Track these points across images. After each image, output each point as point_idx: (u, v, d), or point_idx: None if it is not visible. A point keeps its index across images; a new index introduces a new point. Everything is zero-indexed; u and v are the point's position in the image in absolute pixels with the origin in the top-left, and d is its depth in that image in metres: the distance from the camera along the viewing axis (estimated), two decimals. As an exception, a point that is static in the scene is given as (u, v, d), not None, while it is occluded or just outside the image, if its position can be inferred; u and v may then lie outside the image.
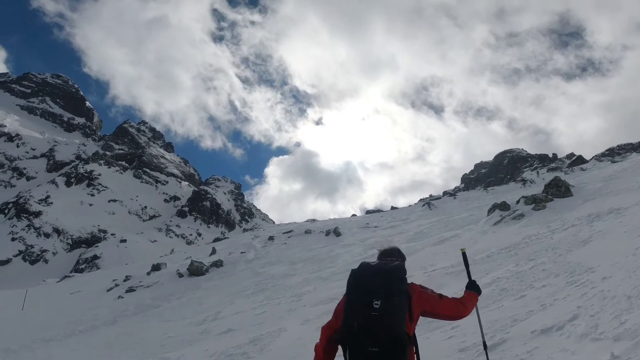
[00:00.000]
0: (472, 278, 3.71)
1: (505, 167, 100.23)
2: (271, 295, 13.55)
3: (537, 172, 57.00)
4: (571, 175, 30.86)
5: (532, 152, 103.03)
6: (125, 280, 25.14)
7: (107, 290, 23.20)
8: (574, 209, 13.75)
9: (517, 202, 16.61)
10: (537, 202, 15.51)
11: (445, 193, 51.59)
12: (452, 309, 3.20)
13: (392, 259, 3.39)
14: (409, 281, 3.12)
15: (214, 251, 28.52)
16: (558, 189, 16.94)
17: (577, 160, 61.86)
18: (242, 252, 25.41)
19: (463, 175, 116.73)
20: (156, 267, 27.16)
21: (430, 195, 47.74)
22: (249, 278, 18.10)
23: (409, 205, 42.12)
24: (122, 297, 20.17)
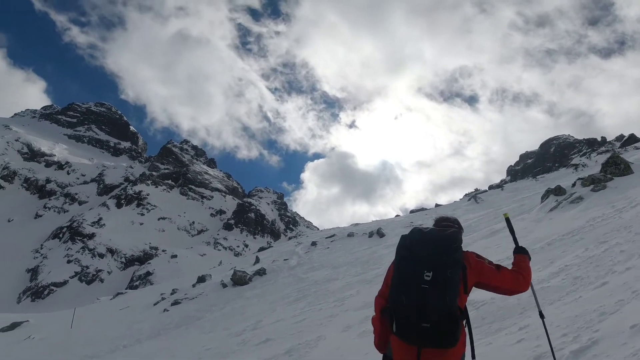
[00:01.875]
0: (520, 245, 3.30)
1: (553, 155, 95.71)
2: (313, 301, 12.88)
3: (589, 156, 53.81)
4: (626, 155, 28.61)
5: (578, 137, 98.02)
6: (172, 294, 25.20)
7: (154, 305, 23.23)
8: (637, 185, 12.40)
9: (573, 185, 15.24)
10: (595, 182, 14.12)
11: (491, 187, 49.52)
12: (511, 281, 2.91)
13: (449, 224, 3.17)
14: (464, 249, 2.89)
15: (257, 260, 28.23)
16: (617, 167, 15.46)
17: (629, 140, 57.93)
18: (285, 260, 24.94)
19: (508, 168, 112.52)
20: (201, 279, 27.12)
21: (476, 189, 45.85)
22: (292, 285, 17.53)
23: (454, 202, 40.49)
24: (168, 310, 20.06)
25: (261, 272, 22.01)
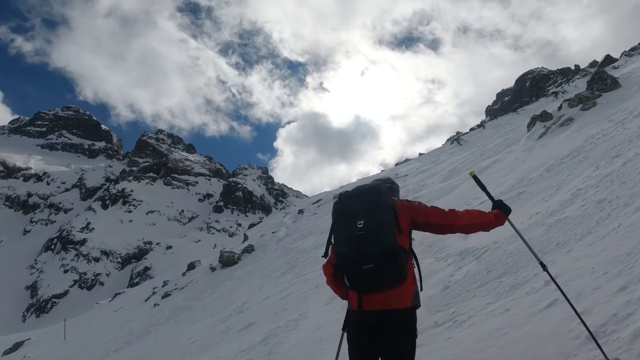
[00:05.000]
0: (496, 199, 3.25)
1: (529, 90, 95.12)
2: (300, 271, 12.05)
3: (568, 83, 53.02)
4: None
5: (552, 69, 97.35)
6: (163, 286, 24.40)
7: (146, 300, 22.40)
8: (630, 97, 11.48)
9: (560, 107, 14.32)
10: (583, 101, 13.17)
11: (472, 129, 48.79)
12: (439, 216, 3.00)
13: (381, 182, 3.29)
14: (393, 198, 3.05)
15: (245, 237, 27.38)
16: (604, 83, 14.48)
17: (605, 62, 57.14)
18: (273, 232, 24.09)
19: (487, 108, 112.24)
20: (191, 266, 26.29)
21: (457, 132, 45.07)
22: (280, 257, 16.70)
23: (437, 148, 39.73)
24: (158, 305, 19.19)
25: (249, 249, 21.14)
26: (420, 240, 8.00)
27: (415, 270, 2.96)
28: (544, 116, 14.55)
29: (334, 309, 6.50)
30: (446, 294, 5.20)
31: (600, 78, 14.86)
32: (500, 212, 3.09)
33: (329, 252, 3.04)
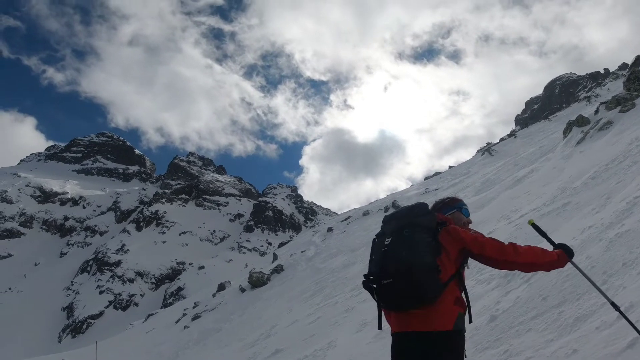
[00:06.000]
0: (557, 243, 3.05)
1: (559, 96, 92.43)
2: (330, 292, 11.56)
3: (599, 87, 51.17)
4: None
5: (580, 73, 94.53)
6: (194, 307, 24.24)
7: (176, 322, 22.24)
8: (673, 95, 10.71)
9: (596, 111, 13.57)
10: (622, 102, 12.43)
11: (502, 139, 47.54)
12: (492, 249, 2.79)
13: (434, 205, 3.30)
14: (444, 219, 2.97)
15: (275, 257, 27.06)
16: (642, 83, 13.71)
17: (636, 62, 54.95)
18: (302, 252, 23.69)
19: (516, 117, 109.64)
20: (221, 287, 26.05)
21: (488, 143, 43.92)
22: (310, 277, 16.25)
23: (467, 160, 38.71)
24: (188, 327, 18.98)
25: (279, 270, 20.78)
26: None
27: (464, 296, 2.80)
28: (581, 121, 13.81)
29: (365, 339, 5.95)
30: (494, 326, 4.45)
31: (637, 78, 14.09)
32: (563, 252, 2.94)
33: None
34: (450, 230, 2.83)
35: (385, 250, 2.75)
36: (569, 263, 2.92)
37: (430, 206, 3.23)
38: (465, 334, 2.68)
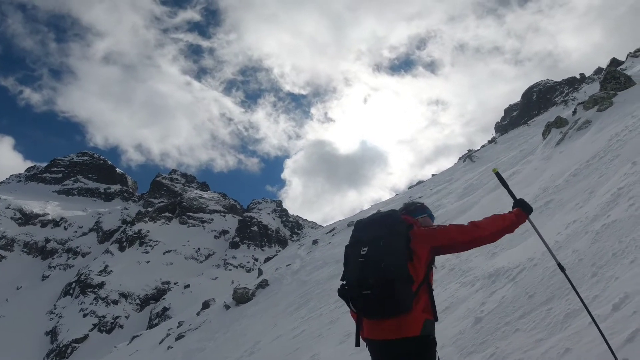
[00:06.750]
0: (518, 197, 3.28)
1: (536, 103, 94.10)
2: (315, 305, 11.26)
3: (576, 91, 52.10)
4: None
5: (557, 79, 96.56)
6: (178, 327, 23.62)
7: (159, 343, 21.62)
8: (649, 93, 10.79)
9: (574, 112, 13.66)
10: (599, 102, 12.50)
11: (483, 146, 48.03)
12: (457, 232, 2.90)
13: (402, 208, 3.36)
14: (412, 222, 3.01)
15: (260, 272, 26.63)
16: (617, 82, 13.83)
17: (612, 65, 56.11)
18: (287, 265, 23.35)
19: (496, 125, 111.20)
20: (206, 305, 25.45)
21: (469, 150, 44.27)
22: (295, 290, 15.93)
23: (449, 168, 38.91)
24: (172, 347, 18.43)
25: (263, 285, 20.38)
26: (442, 263, 7.26)
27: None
28: (559, 122, 13.85)
29: (348, 350, 5.71)
30: (479, 328, 4.23)
31: (613, 77, 14.22)
32: (520, 210, 3.10)
33: None
34: (418, 233, 2.89)
35: (363, 261, 2.77)
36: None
37: (407, 205, 3.40)
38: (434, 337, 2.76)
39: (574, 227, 5.13)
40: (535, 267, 4.73)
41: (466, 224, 2.95)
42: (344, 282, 2.90)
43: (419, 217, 3.17)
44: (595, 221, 4.92)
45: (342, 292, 2.90)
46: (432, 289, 2.88)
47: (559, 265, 3.03)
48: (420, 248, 2.82)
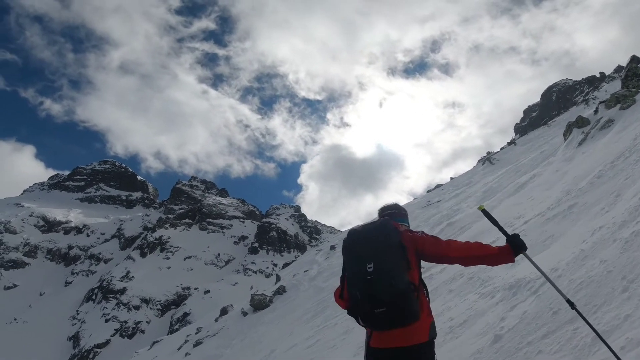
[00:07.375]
0: (511, 234, 2.98)
1: (556, 103, 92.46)
2: (331, 314, 11.07)
3: (597, 90, 50.91)
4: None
5: (576, 79, 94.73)
6: (197, 333, 23.68)
7: (178, 349, 21.67)
8: (675, 91, 10.35)
9: (596, 111, 13.22)
10: (621, 100, 12.06)
11: (502, 148, 47.29)
12: (434, 245, 2.96)
13: (390, 212, 3.38)
14: (401, 229, 3.02)
15: (278, 278, 26.55)
16: (639, 79, 13.39)
17: (632, 62, 54.68)
18: (305, 271, 23.22)
19: (515, 126, 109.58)
20: (224, 311, 25.48)
21: (488, 152, 43.58)
22: (312, 297, 15.76)
23: (468, 170, 38.30)
24: (190, 354, 18.44)
25: (281, 291, 20.28)
26: (460, 272, 7.00)
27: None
28: (581, 122, 13.42)
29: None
30: (499, 347, 3.89)
31: (635, 74, 13.76)
32: (509, 247, 2.87)
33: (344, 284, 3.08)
34: (407, 240, 2.90)
35: (372, 279, 2.75)
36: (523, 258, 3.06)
37: (391, 208, 3.42)
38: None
39: (600, 234, 4.76)
40: (560, 278, 4.34)
41: (442, 240, 2.98)
42: (354, 302, 2.84)
43: (404, 224, 3.24)
44: (623, 227, 4.54)
45: (353, 311, 2.87)
46: (426, 287, 2.96)
47: (568, 301, 2.85)
48: (410, 254, 2.88)
